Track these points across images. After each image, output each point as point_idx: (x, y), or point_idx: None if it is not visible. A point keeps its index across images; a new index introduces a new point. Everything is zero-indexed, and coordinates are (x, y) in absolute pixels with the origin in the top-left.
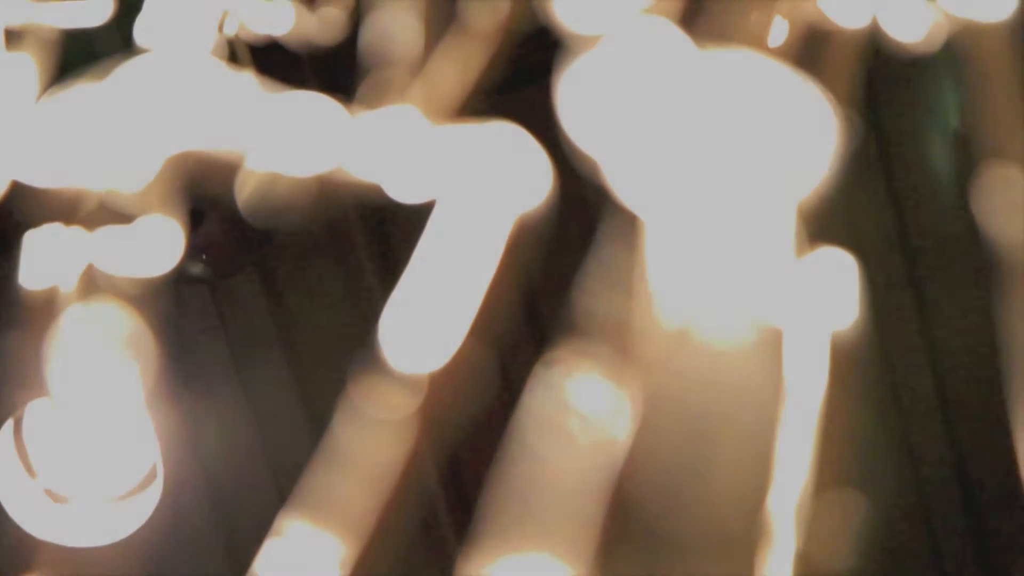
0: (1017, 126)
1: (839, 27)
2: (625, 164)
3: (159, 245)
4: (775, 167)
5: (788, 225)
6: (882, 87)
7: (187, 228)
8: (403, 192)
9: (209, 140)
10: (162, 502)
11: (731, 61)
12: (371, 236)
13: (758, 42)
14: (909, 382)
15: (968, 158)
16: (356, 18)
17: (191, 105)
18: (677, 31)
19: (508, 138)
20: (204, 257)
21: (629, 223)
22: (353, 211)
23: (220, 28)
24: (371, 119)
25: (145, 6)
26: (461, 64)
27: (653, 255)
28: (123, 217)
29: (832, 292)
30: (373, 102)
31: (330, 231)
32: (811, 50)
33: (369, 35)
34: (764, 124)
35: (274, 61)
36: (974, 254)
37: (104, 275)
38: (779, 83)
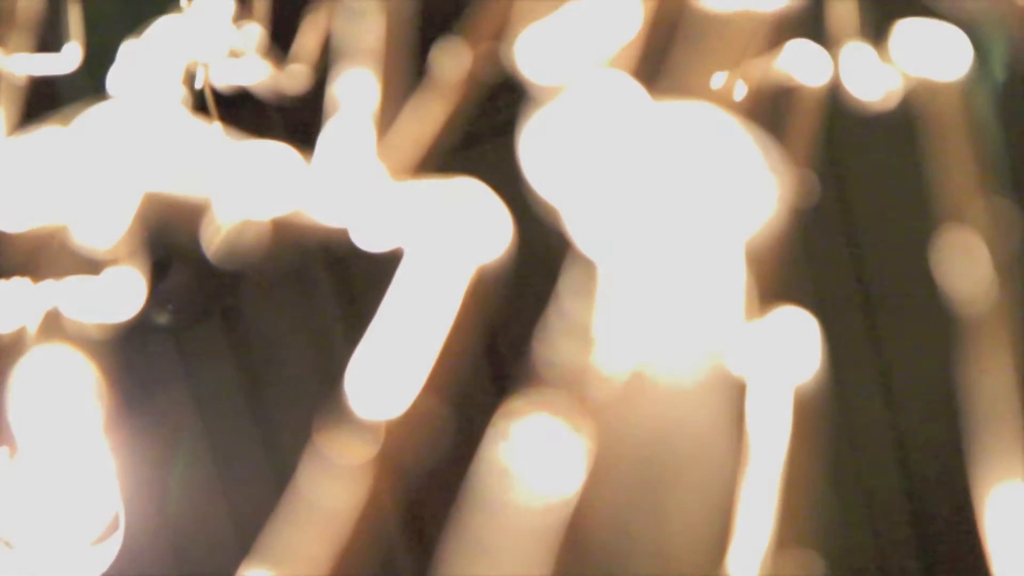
0: (972, 184)
1: (800, 84)
2: (585, 213)
3: (124, 292)
4: (728, 219)
5: (743, 276)
6: (843, 144)
7: (153, 276)
8: (367, 241)
9: (176, 188)
10: (123, 551)
11: (688, 115)
12: (336, 285)
13: (718, 97)
14: (868, 433)
15: (928, 215)
16: (323, 71)
17: (158, 153)
18: (637, 85)
19: (468, 191)
20: (169, 306)
21: (589, 272)
22: (318, 260)
23: (189, 78)
24: (336, 170)
25: (116, 55)
26: (425, 117)
27: (612, 303)
28: (89, 263)
29: (792, 347)
30: (339, 154)
31: (295, 280)
32: (772, 107)
33: (336, 88)
34: (718, 177)
35: (242, 111)
36: (933, 311)
37: (69, 321)
38: (734, 137)
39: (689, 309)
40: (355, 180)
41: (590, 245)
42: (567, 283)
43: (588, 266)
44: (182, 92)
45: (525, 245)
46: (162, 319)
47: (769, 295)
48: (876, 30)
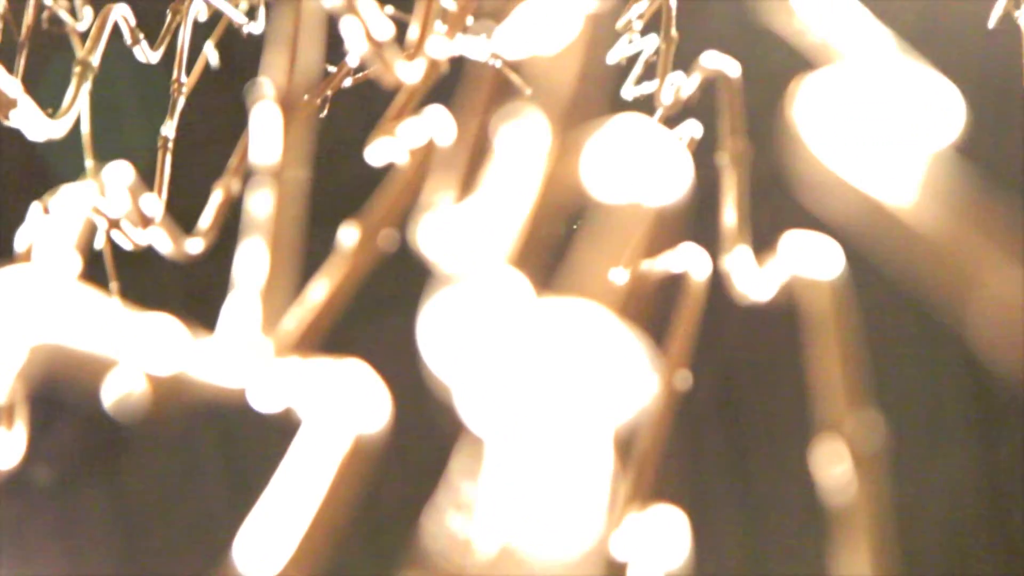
0: (844, 388)
1: (685, 280)
2: (474, 394)
3: (3, 447)
4: (607, 412)
5: (621, 468)
6: (725, 341)
7: (34, 431)
8: (256, 405)
9: (67, 346)
10: None
11: (572, 310)
12: (220, 449)
13: (605, 292)
14: None
15: (806, 413)
16: (223, 238)
17: (50, 312)
18: (528, 281)
19: (352, 368)
20: (51, 462)
21: (478, 450)
22: (204, 424)
23: (89, 241)
24: (227, 338)
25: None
26: (322, 290)
27: (498, 483)
28: None
29: (667, 540)
30: (231, 322)
31: (180, 443)
32: (657, 302)
33: (234, 257)
34: (598, 371)
35: (140, 275)
36: (813, 514)
37: None
38: (616, 332)
39: (568, 495)
40: (244, 350)
41: (480, 425)
42: (456, 460)
43: (477, 445)
44: (82, 254)
45: (414, 421)
46: (42, 475)
47: (647, 488)
48: (760, 232)
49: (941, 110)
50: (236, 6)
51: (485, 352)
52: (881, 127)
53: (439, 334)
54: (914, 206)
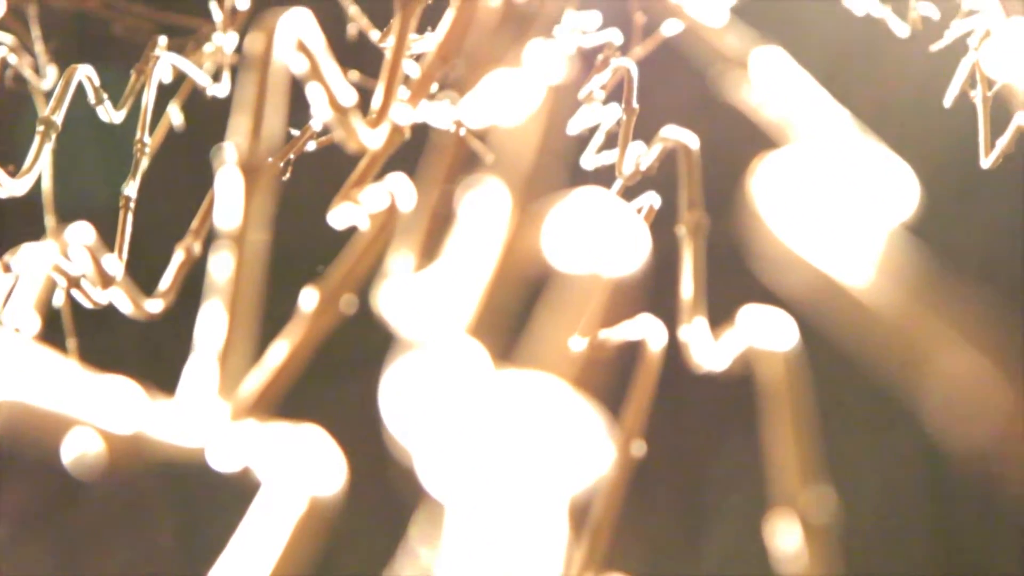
0: (803, 457)
1: (641, 347)
2: (434, 461)
3: None
4: (561, 482)
5: (573, 539)
6: (680, 412)
7: None
8: (212, 465)
9: (20, 406)
10: None
11: (529, 382)
12: (177, 507)
13: (562, 362)
14: None
15: (760, 486)
16: (182, 299)
17: (9, 370)
18: (486, 350)
19: (308, 431)
20: (4, 519)
21: (437, 515)
22: (157, 485)
23: (48, 300)
24: (185, 401)
25: None
26: (278, 353)
27: (456, 548)
28: None
29: None
30: (188, 385)
31: (136, 500)
32: (613, 372)
33: (195, 317)
34: (552, 441)
35: (99, 334)
36: None
37: None
38: (572, 403)
39: (524, 562)
40: (201, 412)
41: (439, 491)
42: (415, 526)
43: (436, 511)
44: (41, 313)
45: (374, 486)
46: None
47: (601, 557)
48: (717, 303)
49: (896, 189)
50: (201, 67)
51: (445, 419)
52: (837, 205)
53: (400, 400)
54: (868, 284)
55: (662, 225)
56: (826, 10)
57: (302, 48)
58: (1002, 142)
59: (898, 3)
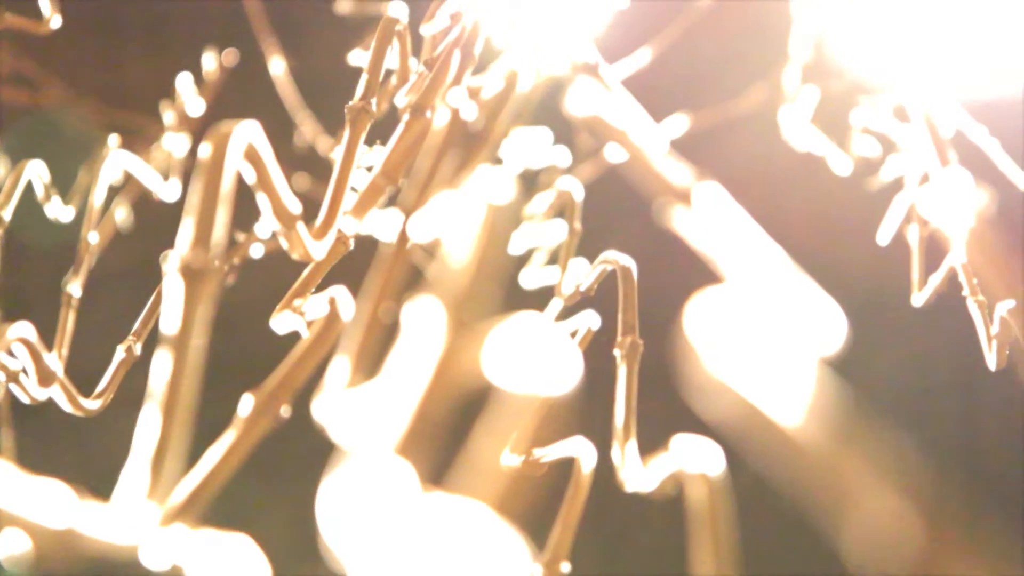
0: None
1: (573, 467)
2: (365, 572)
3: None
4: None
5: None
6: (612, 528)
7: None
8: (144, 564)
9: None
10: None
11: (458, 505)
12: None
13: (492, 483)
14: None
15: None
16: (124, 400)
17: None
18: (416, 472)
19: (236, 539)
20: None
21: None
22: None
23: None
24: (119, 501)
25: None
26: (212, 458)
27: None
28: None
29: None
30: (124, 486)
31: None
32: (542, 490)
33: (133, 421)
34: (476, 565)
35: (35, 428)
36: None
37: None
38: (497, 530)
39: None
40: (131, 515)
41: None
42: None
43: None
44: None
45: None
46: None
47: None
48: (649, 425)
49: (823, 326)
50: (150, 166)
51: (374, 535)
52: (766, 340)
53: (333, 510)
54: (793, 418)
55: (599, 342)
56: (768, 146)
57: (251, 157)
58: (935, 280)
59: (839, 137)
